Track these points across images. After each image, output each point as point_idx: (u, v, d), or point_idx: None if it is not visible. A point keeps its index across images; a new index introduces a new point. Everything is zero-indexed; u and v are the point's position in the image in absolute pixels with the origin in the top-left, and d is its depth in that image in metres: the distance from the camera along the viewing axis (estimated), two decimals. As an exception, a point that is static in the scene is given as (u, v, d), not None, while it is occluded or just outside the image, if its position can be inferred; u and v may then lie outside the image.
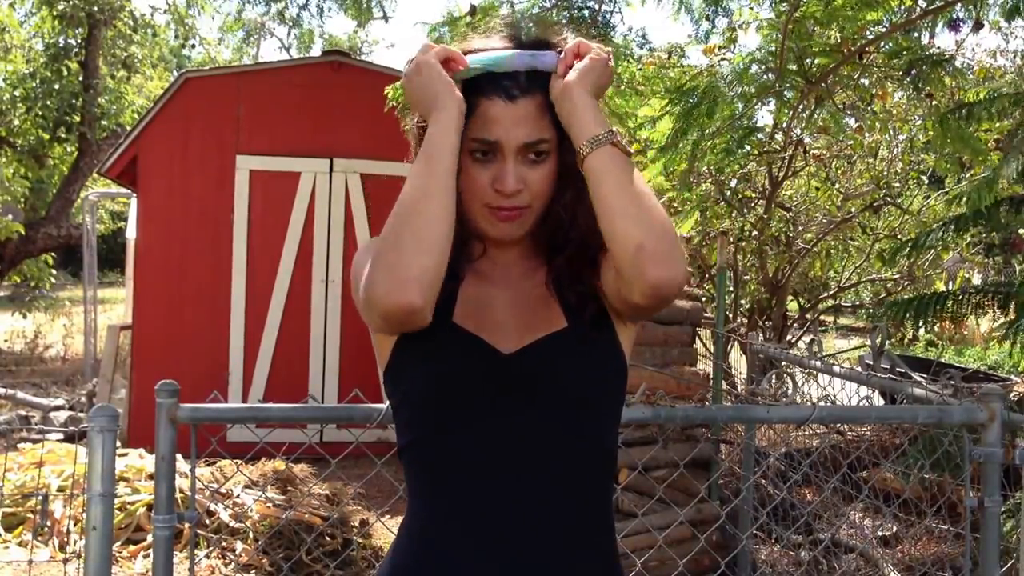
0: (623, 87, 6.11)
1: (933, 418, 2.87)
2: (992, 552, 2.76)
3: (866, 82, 5.70)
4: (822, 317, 11.67)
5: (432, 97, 1.58)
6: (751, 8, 5.81)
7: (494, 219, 1.64)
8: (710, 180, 7.82)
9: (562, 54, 1.63)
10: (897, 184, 8.88)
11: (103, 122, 14.32)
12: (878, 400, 6.02)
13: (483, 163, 1.62)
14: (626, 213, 1.50)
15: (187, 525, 2.46)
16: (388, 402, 1.72)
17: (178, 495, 2.63)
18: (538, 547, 1.56)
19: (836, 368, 4.64)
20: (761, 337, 8.01)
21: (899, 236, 9.15)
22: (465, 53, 1.64)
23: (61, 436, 8.33)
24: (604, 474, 1.67)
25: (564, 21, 5.30)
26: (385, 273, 1.48)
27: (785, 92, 4.89)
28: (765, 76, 4.77)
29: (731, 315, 8.49)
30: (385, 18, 18.25)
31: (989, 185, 4.39)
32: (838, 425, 6.11)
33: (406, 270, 1.46)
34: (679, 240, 1.53)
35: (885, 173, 8.77)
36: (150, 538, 5.23)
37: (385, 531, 5.05)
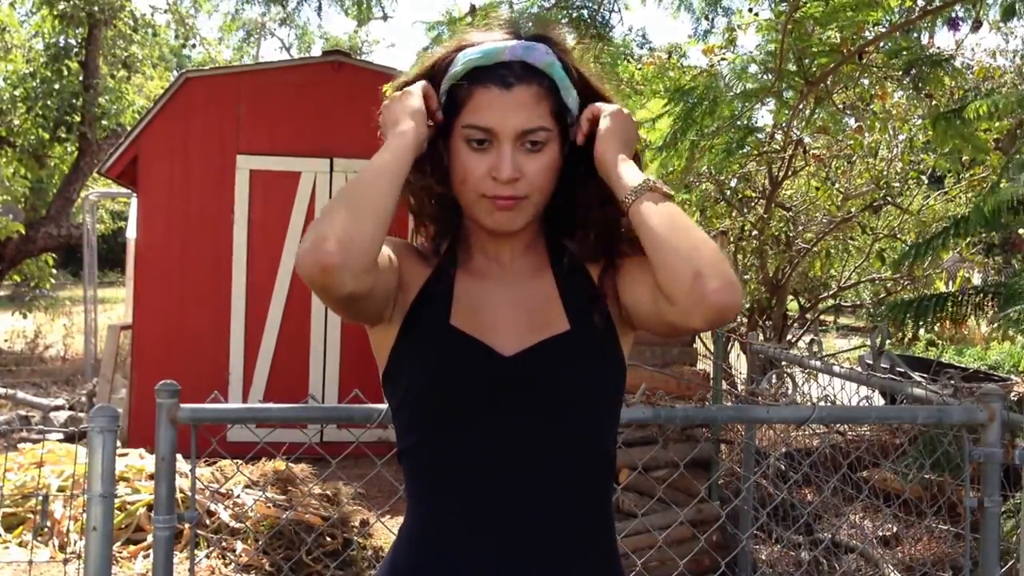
0: (623, 87, 6.11)
1: (933, 418, 2.87)
2: (992, 552, 2.76)
3: (866, 82, 5.71)
4: (822, 317, 11.67)
5: (402, 119, 1.59)
6: (751, 9, 5.81)
7: (491, 208, 1.63)
8: (710, 180, 7.82)
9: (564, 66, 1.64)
10: (897, 184, 8.89)
11: (103, 122, 14.32)
12: (878, 400, 6.01)
13: (479, 152, 1.61)
14: (677, 246, 1.51)
15: (187, 525, 2.46)
16: (388, 403, 1.72)
17: (178, 495, 2.63)
18: (538, 548, 1.56)
19: (836, 368, 4.64)
20: (761, 337, 8.01)
21: (899, 236, 9.16)
22: (462, 46, 1.65)
23: (61, 436, 8.34)
24: (604, 475, 1.67)
25: (563, 21, 5.30)
26: (311, 238, 1.46)
27: (785, 92, 4.89)
28: (764, 76, 4.78)
29: (731, 315, 8.47)
30: (385, 18, 18.26)
31: (995, 194, 4.40)
32: (838, 425, 6.11)
33: (330, 232, 1.44)
34: (729, 264, 1.55)
35: (885, 173, 8.77)
36: (150, 538, 5.23)
37: (385, 531, 5.05)
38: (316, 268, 1.43)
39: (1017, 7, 4.56)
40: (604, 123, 1.62)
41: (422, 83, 1.64)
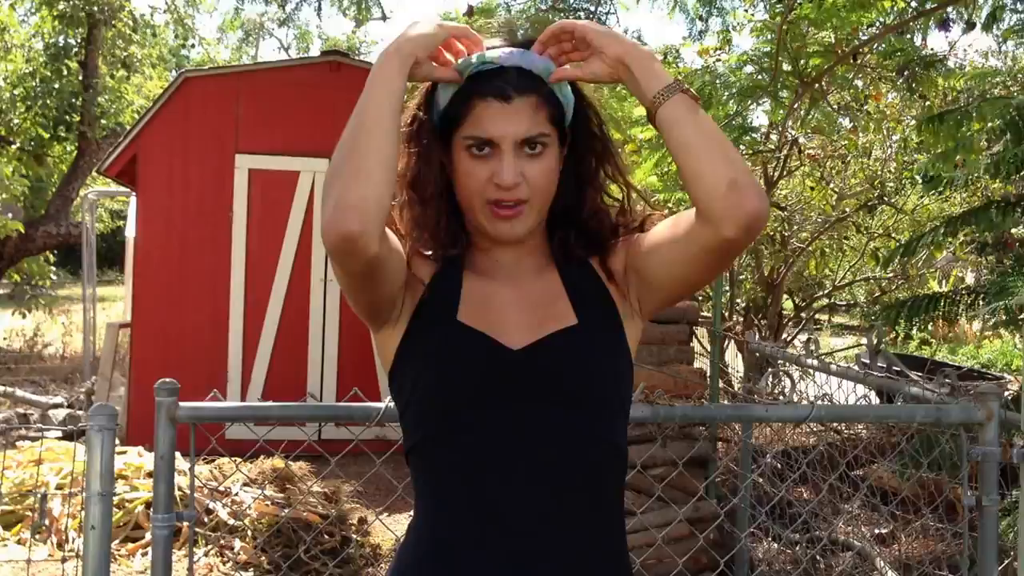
0: (619, 88, 6.11)
1: (931, 417, 2.88)
2: (990, 550, 2.77)
3: (860, 83, 5.73)
4: (817, 316, 11.69)
5: (401, 40, 1.58)
6: (746, 10, 5.83)
7: (494, 217, 1.64)
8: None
9: (554, 56, 1.65)
10: (891, 183, 8.91)
11: (103, 121, 14.31)
12: (873, 399, 6.03)
13: (481, 159, 1.62)
14: (711, 153, 1.52)
15: (186, 524, 2.47)
16: (388, 401, 1.73)
17: (176, 493, 2.65)
18: (549, 544, 1.56)
19: (834, 367, 4.66)
20: (757, 336, 8.03)
21: (893, 235, 9.19)
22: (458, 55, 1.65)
23: (60, 434, 8.34)
24: (614, 470, 1.67)
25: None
26: (327, 204, 1.48)
27: (780, 92, 4.91)
28: (759, 76, 4.79)
29: (727, 314, 8.50)
30: (384, 18, 18.26)
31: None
32: (834, 424, 6.12)
33: (345, 199, 1.46)
34: None
35: (879, 173, 8.79)
36: (148, 536, 5.25)
37: (384, 529, 5.07)
38: (339, 237, 1.46)
39: (998, 13, 4.60)
40: (593, 31, 1.61)
41: (440, 26, 1.62)
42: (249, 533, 5.41)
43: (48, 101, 14.03)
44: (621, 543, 1.68)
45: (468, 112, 1.62)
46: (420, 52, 1.58)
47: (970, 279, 13.63)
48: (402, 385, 1.66)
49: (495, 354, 1.61)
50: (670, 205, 7.08)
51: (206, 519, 5.50)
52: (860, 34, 4.79)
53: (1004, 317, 4.24)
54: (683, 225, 1.59)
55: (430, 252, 1.71)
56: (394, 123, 1.53)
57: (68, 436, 7.87)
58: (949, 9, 4.67)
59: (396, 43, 1.57)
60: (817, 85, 4.85)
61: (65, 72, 14.31)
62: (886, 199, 8.82)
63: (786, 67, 4.59)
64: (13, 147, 14.16)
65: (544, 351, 1.61)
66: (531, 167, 1.62)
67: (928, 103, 6.84)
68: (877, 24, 4.64)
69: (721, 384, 5.71)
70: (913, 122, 8.03)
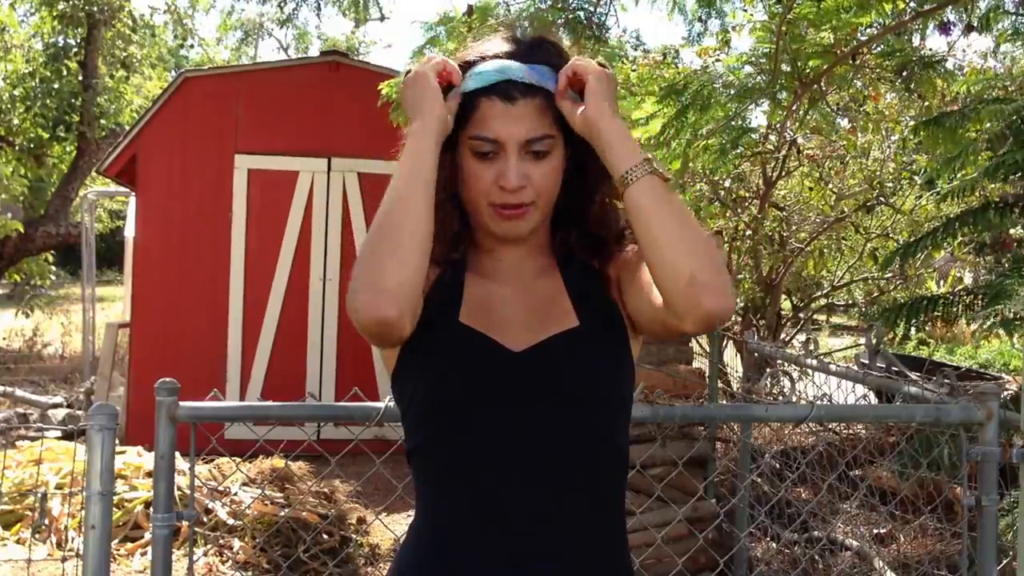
0: (618, 88, 6.12)
1: (930, 417, 2.88)
2: (990, 550, 2.78)
3: (859, 83, 5.73)
4: (815, 316, 11.70)
5: (417, 105, 1.60)
6: (745, 11, 5.83)
7: (499, 217, 1.64)
8: (704, 180, 7.84)
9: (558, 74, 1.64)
10: (890, 184, 8.91)
11: (102, 121, 14.32)
12: (873, 399, 6.04)
13: (486, 161, 1.62)
14: (674, 244, 1.50)
15: (185, 523, 2.47)
16: (388, 401, 1.73)
17: (176, 493, 2.66)
18: (550, 545, 1.55)
19: (833, 367, 4.66)
20: (756, 336, 8.04)
21: (892, 235, 9.19)
22: (464, 64, 1.66)
23: (59, 434, 8.34)
24: (616, 472, 1.67)
25: (560, 22, 5.31)
26: (362, 285, 1.49)
27: (779, 93, 4.91)
28: (758, 77, 4.80)
29: (727, 314, 8.49)
30: (382, 18, 18.27)
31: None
32: (833, 423, 6.13)
33: (381, 282, 1.47)
34: (725, 267, 1.54)
35: (878, 173, 8.80)
36: (147, 535, 5.26)
37: (383, 529, 5.08)
38: (374, 322, 1.49)
39: (992, 15, 4.61)
40: (593, 84, 1.60)
41: (432, 59, 1.65)
42: (248, 533, 5.42)
43: (48, 101, 14.04)
44: (622, 543, 1.67)
45: (473, 112, 1.62)
46: (445, 121, 1.60)
47: (968, 279, 13.64)
48: (404, 387, 1.66)
49: (496, 355, 1.60)
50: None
51: (205, 519, 5.51)
52: (859, 34, 4.80)
53: (1000, 318, 4.24)
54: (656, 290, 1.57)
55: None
56: (429, 201, 1.55)
57: (68, 436, 7.88)
58: (948, 10, 4.68)
59: (424, 122, 1.58)
60: (816, 86, 4.85)
61: (65, 72, 14.31)
62: (884, 199, 8.82)
63: (785, 68, 4.59)
64: (13, 147, 14.16)
65: (545, 353, 1.61)
66: (536, 169, 1.62)
67: (927, 104, 6.84)
68: (876, 25, 4.64)
69: (720, 384, 5.72)
70: (912, 123, 8.04)
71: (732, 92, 4.74)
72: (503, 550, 1.55)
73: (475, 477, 1.58)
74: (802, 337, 8.92)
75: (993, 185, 6.03)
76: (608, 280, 1.72)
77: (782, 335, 9.18)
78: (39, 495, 4.69)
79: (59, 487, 5.70)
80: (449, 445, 1.60)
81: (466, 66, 1.66)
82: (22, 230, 13.70)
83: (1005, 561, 3.32)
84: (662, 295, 1.53)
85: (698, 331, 1.55)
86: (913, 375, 3.88)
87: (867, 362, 4.27)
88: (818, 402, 3.62)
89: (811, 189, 8.98)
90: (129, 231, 11.26)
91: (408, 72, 1.65)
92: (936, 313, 4.78)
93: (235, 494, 5.73)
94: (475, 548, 1.56)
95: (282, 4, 10.04)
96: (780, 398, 5.82)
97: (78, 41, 14.66)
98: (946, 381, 3.39)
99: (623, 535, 1.68)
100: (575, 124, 1.61)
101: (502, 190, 1.62)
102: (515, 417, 1.57)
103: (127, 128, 10.97)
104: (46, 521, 5.41)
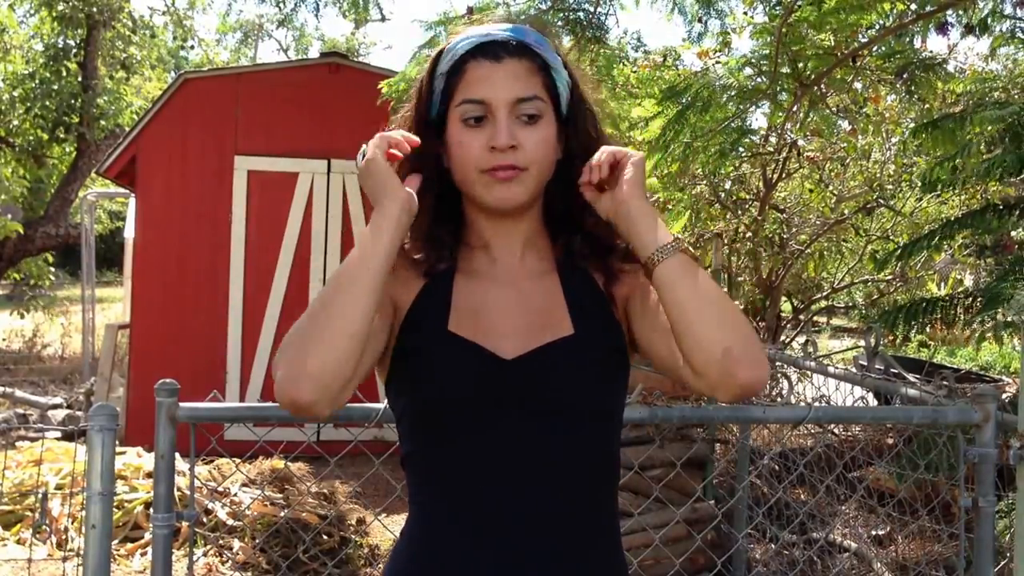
0: (617, 90, 6.13)
1: (928, 418, 2.89)
2: (987, 551, 2.78)
3: (859, 85, 5.73)
4: (815, 318, 11.69)
5: (375, 194, 1.55)
6: (745, 12, 5.84)
7: (491, 180, 1.59)
8: (704, 182, 7.85)
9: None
10: (890, 186, 8.92)
11: (102, 122, 14.34)
12: (871, 400, 6.05)
13: (475, 129, 1.59)
14: (706, 319, 1.48)
15: (185, 524, 2.48)
16: (387, 405, 1.72)
17: (176, 493, 2.66)
18: (541, 554, 1.55)
19: (831, 369, 4.67)
20: (756, 338, 8.03)
21: (892, 238, 9.19)
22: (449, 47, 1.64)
23: (59, 434, 8.35)
24: (607, 480, 1.66)
25: (560, 23, 5.32)
26: (285, 362, 1.46)
27: (779, 95, 4.92)
28: (759, 79, 4.81)
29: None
30: (382, 19, 18.28)
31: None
32: (831, 425, 6.14)
33: (302, 366, 1.44)
34: (757, 337, 1.52)
35: (878, 175, 8.80)
36: (147, 536, 5.26)
37: (382, 529, 5.09)
38: (290, 403, 1.45)
39: (990, 19, 4.62)
40: (630, 172, 1.56)
41: (381, 136, 1.60)
42: (248, 533, 5.43)
43: (47, 102, 14.05)
44: (616, 548, 1.67)
45: (461, 78, 1.60)
46: (406, 202, 1.54)
47: (968, 282, 13.65)
48: (396, 397, 1.66)
49: (487, 364, 1.58)
50: (668, 206, 7.10)
51: (205, 519, 5.51)
52: (860, 36, 4.81)
53: (994, 323, 4.25)
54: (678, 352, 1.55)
55: (419, 256, 1.68)
56: (375, 290, 1.48)
57: (68, 436, 7.89)
58: (948, 12, 4.69)
59: (382, 209, 1.52)
60: (816, 88, 4.86)
61: (64, 73, 14.33)
62: (884, 202, 8.82)
63: (785, 70, 4.60)
64: (13, 148, 14.18)
65: (537, 361, 1.59)
66: (527, 135, 1.59)
67: (927, 106, 6.85)
68: (876, 27, 4.64)
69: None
70: (912, 124, 8.04)
71: (732, 94, 4.75)
72: (493, 557, 1.55)
73: (467, 484, 1.57)
74: (802, 339, 8.92)
75: (994, 187, 6.03)
76: (613, 299, 1.69)
77: (782, 337, 9.17)
78: (39, 495, 4.69)
79: (59, 487, 5.71)
80: (441, 453, 1.59)
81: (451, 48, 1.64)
82: (22, 231, 13.72)
83: (1003, 563, 3.33)
84: (692, 366, 1.51)
85: (733, 401, 1.55)
86: (911, 377, 3.89)
87: (865, 364, 4.28)
88: (816, 403, 3.62)
89: (811, 191, 8.98)
90: (129, 232, 11.28)
91: (363, 153, 1.58)
92: (935, 315, 4.78)
93: (235, 495, 5.73)
94: (466, 554, 1.56)
95: (280, 4, 10.02)
96: (779, 399, 5.82)
97: (78, 42, 14.69)
98: (944, 383, 3.40)
99: (615, 540, 1.67)
100: (600, 206, 1.60)
101: (492, 151, 1.58)
102: (507, 425, 1.56)
103: (127, 129, 10.99)
104: (46, 521, 5.41)
